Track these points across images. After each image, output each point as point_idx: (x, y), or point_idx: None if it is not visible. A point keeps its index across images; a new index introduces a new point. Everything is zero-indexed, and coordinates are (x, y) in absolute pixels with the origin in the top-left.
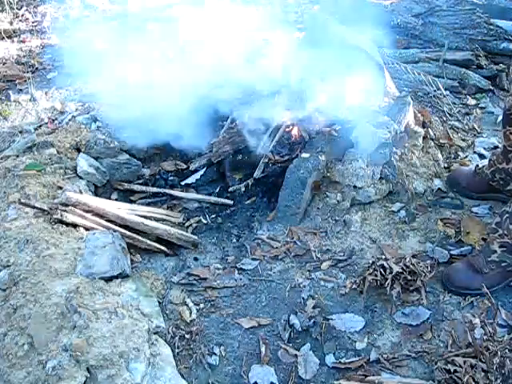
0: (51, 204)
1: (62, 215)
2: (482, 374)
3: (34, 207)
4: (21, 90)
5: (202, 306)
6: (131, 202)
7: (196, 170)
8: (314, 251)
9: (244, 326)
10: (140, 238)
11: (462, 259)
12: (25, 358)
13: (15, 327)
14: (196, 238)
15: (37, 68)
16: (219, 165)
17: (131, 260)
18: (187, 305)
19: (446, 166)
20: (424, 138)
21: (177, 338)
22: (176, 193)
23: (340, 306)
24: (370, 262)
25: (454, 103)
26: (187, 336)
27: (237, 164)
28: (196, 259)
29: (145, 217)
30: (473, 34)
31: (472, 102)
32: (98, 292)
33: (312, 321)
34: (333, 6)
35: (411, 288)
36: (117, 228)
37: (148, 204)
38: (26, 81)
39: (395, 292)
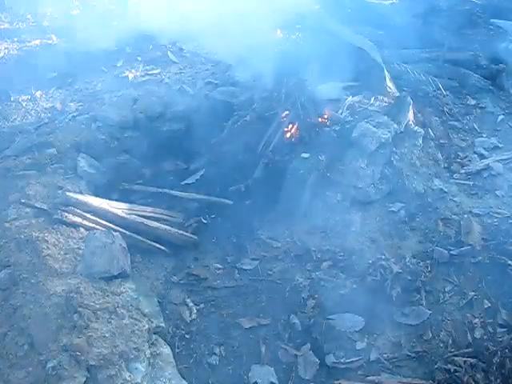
0: (51, 204)
1: (62, 215)
2: (482, 373)
3: (34, 207)
4: (21, 89)
5: (202, 305)
6: (131, 202)
7: (196, 170)
8: (314, 251)
9: (244, 326)
10: (140, 237)
11: None
12: (25, 358)
13: (15, 327)
14: (196, 237)
15: (37, 68)
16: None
17: (131, 260)
18: (187, 305)
19: (445, 165)
20: (424, 138)
21: (177, 338)
22: (176, 193)
23: (340, 305)
24: (370, 261)
25: (454, 103)
26: (187, 336)
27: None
28: (196, 259)
29: (145, 217)
30: (473, 33)
31: (472, 101)
32: (97, 292)
33: (312, 321)
34: (333, 5)
35: (411, 288)
36: (117, 228)
37: (148, 204)
38: (26, 81)
39: (395, 292)
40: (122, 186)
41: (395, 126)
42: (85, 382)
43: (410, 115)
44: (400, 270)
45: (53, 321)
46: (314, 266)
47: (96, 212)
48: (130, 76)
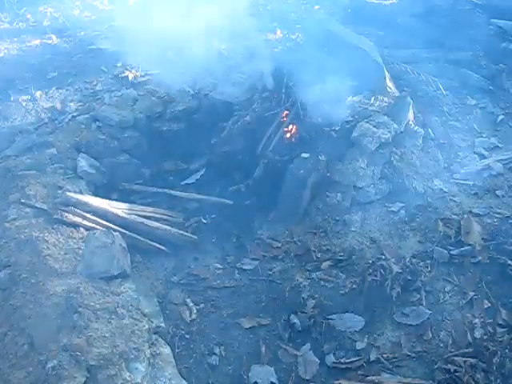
0: (51, 204)
1: (62, 215)
2: (482, 373)
3: (34, 207)
4: (21, 89)
5: (202, 305)
6: (131, 202)
7: (196, 170)
8: (314, 251)
9: (244, 326)
10: (140, 237)
11: None
12: (25, 358)
13: (15, 327)
14: (196, 237)
15: (37, 68)
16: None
17: (131, 260)
18: (187, 305)
19: (445, 165)
20: (424, 138)
21: (177, 338)
22: (176, 193)
23: (340, 305)
24: (370, 261)
25: (454, 103)
26: (187, 336)
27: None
28: (196, 259)
29: (145, 217)
30: (473, 33)
31: (472, 101)
32: (97, 292)
33: (312, 321)
34: (333, 5)
35: (411, 288)
36: (117, 228)
37: (148, 204)
38: (26, 81)
39: (395, 292)
40: (122, 186)
41: (395, 125)
42: (85, 382)
43: (410, 115)
44: (400, 270)
45: (53, 321)
46: (313, 266)
47: (96, 212)
48: (130, 76)
